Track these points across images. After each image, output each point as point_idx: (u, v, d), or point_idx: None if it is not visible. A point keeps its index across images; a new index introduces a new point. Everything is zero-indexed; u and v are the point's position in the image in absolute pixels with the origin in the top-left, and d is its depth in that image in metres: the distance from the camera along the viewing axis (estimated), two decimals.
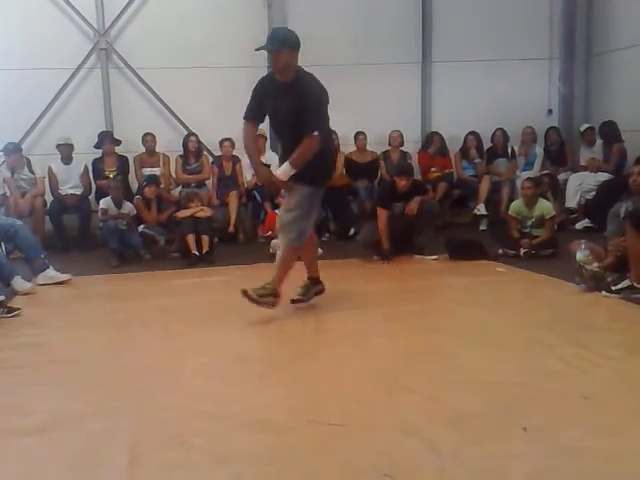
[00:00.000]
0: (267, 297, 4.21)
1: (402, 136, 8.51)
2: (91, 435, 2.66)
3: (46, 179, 7.67)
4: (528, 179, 6.77)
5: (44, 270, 5.63)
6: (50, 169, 7.68)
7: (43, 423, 2.78)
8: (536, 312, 4.40)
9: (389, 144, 8.52)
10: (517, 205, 6.62)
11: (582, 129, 8.54)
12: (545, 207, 6.47)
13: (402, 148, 8.55)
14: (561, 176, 8.37)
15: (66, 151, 7.75)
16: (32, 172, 7.60)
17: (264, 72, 8.83)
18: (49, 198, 7.70)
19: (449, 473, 2.27)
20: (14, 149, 7.54)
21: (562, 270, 5.27)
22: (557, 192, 8.02)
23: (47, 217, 7.56)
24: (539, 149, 8.66)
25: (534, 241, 6.28)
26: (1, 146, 7.47)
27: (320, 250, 6.73)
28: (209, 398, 3.02)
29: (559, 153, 8.72)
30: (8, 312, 4.47)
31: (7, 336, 4.12)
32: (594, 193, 7.88)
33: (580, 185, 8.03)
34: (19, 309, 4.52)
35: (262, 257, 6.55)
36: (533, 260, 6.03)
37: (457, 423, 2.64)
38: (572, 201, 8.03)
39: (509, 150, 8.57)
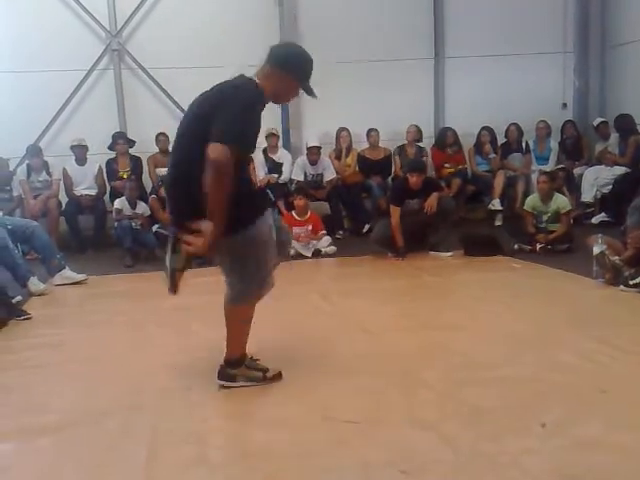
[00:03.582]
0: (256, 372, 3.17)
1: (420, 131, 8.48)
2: (109, 433, 2.68)
3: (61, 180, 7.73)
4: (544, 173, 6.72)
5: (60, 270, 5.67)
6: (65, 170, 7.74)
7: (62, 421, 2.81)
8: (553, 307, 4.36)
9: (406, 139, 8.49)
10: (533, 200, 6.58)
11: (595, 123, 8.47)
12: (561, 201, 6.43)
13: (419, 144, 8.52)
14: (577, 170, 8.31)
15: (80, 152, 7.80)
16: (49, 174, 7.66)
17: None
18: (64, 199, 7.76)
19: (465, 469, 2.26)
20: (36, 152, 7.61)
21: (578, 265, 5.23)
22: (573, 186, 7.96)
23: (62, 218, 7.61)
24: (554, 143, 8.60)
25: (550, 236, 6.23)
26: (17, 148, 7.52)
27: (334, 247, 6.78)
28: (225, 396, 3.02)
29: (575, 147, 8.65)
30: (19, 315, 4.50)
31: (25, 336, 4.16)
32: (610, 187, 7.80)
33: (596, 179, 7.96)
34: (30, 315, 4.54)
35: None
36: (549, 255, 5.99)
37: (473, 419, 2.62)
38: (588, 195, 7.96)
39: (523, 145, 8.52)
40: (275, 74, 3.00)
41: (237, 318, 3.10)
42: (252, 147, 2.91)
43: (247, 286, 3.06)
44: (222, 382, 3.09)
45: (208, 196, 2.66)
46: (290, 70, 3.03)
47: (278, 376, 3.17)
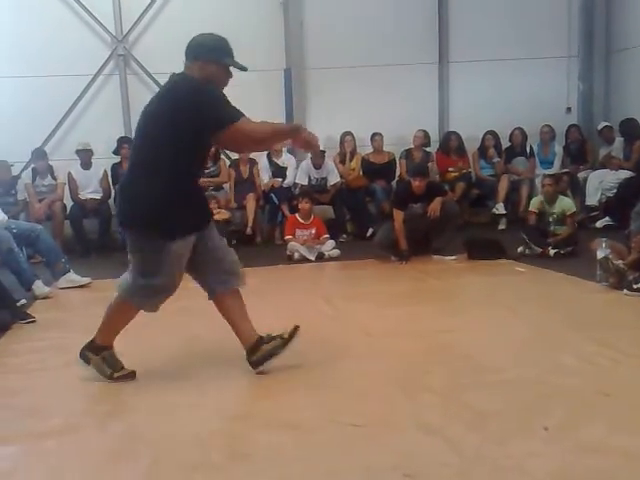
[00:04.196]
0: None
1: (428, 136, 8.49)
2: (112, 436, 2.69)
3: (66, 184, 7.76)
4: (549, 176, 6.73)
5: (65, 274, 5.69)
6: (70, 174, 7.77)
7: (66, 425, 2.81)
8: (556, 311, 4.36)
9: (412, 143, 8.49)
10: (537, 201, 6.58)
11: (599, 127, 8.47)
12: (566, 203, 6.43)
13: (427, 149, 8.53)
14: (581, 174, 8.30)
15: (85, 156, 7.84)
16: (54, 178, 7.70)
17: (281, 74, 9.01)
18: (69, 203, 7.79)
19: (470, 473, 2.26)
20: (41, 155, 7.64)
21: (582, 268, 5.22)
22: (577, 190, 7.96)
23: (67, 222, 7.64)
24: (558, 147, 8.60)
25: (558, 237, 6.21)
26: (23, 152, 7.56)
27: (337, 251, 6.79)
28: (230, 398, 3.03)
29: (579, 151, 8.65)
30: (23, 319, 4.51)
31: (29, 339, 4.17)
32: (615, 191, 7.80)
33: (601, 183, 7.96)
34: (34, 318, 4.55)
35: (279, 259, 6.58)
36: (553, 259, 5.97)
37: (478, 423, 2.62)
38: (593, 199, 7.95)
39: (528, 149, 8.52)
40: (197, 67, 3.10)
41: (122, 312, 3.28)
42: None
43: (135, 287, 3.18)
44: (80, 359, 3.28)
45: (268, 141, 3.44)
46: (206, 56, 3.11)
47: (128, 376, 3.27)
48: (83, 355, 3.30)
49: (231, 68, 3.16)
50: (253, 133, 3.03)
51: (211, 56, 3.12)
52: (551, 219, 6.40)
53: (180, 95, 3.04)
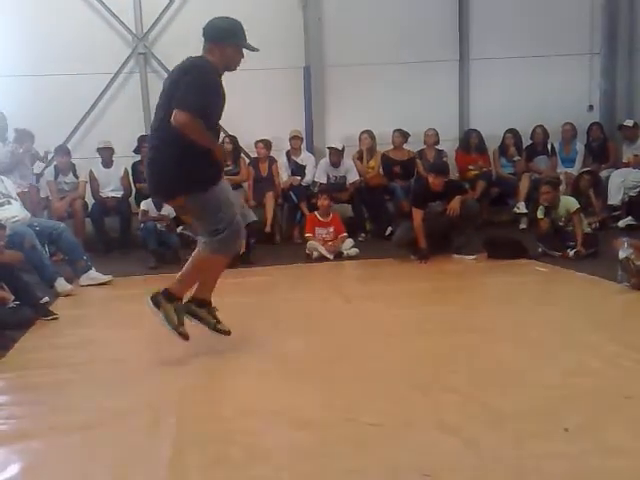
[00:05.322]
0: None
1: (437, 134, 8.46)
2: (135, 432, 2.73)
3: (87, 182, 7.83)
4: (546, 183, 6.52)
5: (86, 272, 5.75)
6: (91, 172, 7.84)
7: (89, 420, 2.85)
8: (578, 311, 4.32)
9: (424, 143, 8.48)
10: (542, 210, 6.44)
11: (621, 125, 8.35)
12: (567, 202, 6.29)
13: (438, 146, 8.49)
14: (603, 173, 8.21)
15: (106, 154, 7.90)
16: (76, 177, 7.77)
17: (300, 72, 9.02)
18: (90, 201, 7.86)
19: (489, 473, 2.25)
20: (64, 152, 7.71)
21: (603, 269, 5.17)
22: (599, 189, 7.86)
23: (88, 219, 7.71)
24: (580, 146, 8.51)
25: (576, 240, 6.12)
26: (42, 151, 7.63)
27: (356, 250, 6.79)
28: (249, 396, 3.05)
29: (601, 150, 8.55)
30: (46, 315, 4.57)
31: (52, 336, 4.23)
32: (638, 190, 7.70)
33: (623, 182, 7.86)
34: (57, 315, 4.61)
35: (298, 258, 6.60)
36: (574, 259, 5.91)
37: (497, 423, 2.62)
38: (615, 198, 7.84)
39: (549, 147, 8.45)
40: (214, 48, 3.53)
41: (209, 267, 3.63)
42: (214, 114, 3.50)
43: (222, 232, 3.48)
44: (150, 303, 3.56)
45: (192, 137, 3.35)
46: (223, 38, 3.53)
47: (185, 336, 3.58)
48: (155, 299, 3.56)
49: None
50: (184, 127, 3.29)
51: (231, 40, 3.52)
52: (561, 222, 6.30)
53: (181, 73, 3.44)
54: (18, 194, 6.23)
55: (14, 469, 2.46)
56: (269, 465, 2.38)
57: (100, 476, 2.41)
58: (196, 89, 3.33)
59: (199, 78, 3.37)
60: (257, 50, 3.51)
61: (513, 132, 8.46)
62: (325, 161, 8.06)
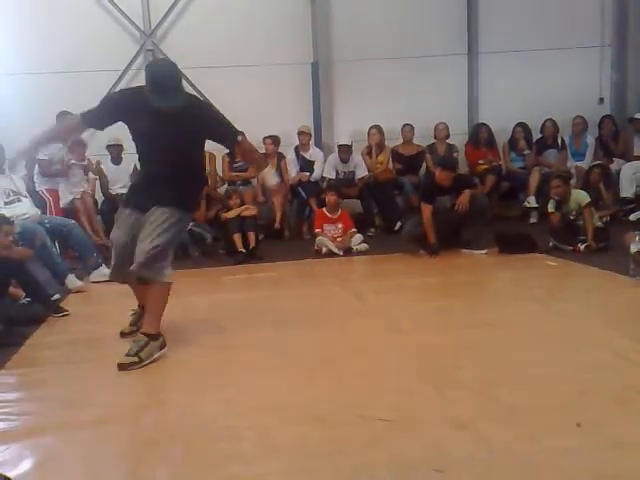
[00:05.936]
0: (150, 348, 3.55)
1: (448, 128, 8.42)
2: (146, 427, 2.73)
3: (97, 179, 7.85)
4: (557, 177, 6.51)
5: (97, 268, 5.77)
6: (101, 169, 7.85)
7: (100, 416, 2.86)
8: (589, 305, 4.30)
9: (434, 137, 8.45)
10: (552, 204, 6.41)
11: (632, 117, 8.29)
12: (577, 196, 6.25)
13: (448, 140, 8.46)
14: (614, 166, 8.15)
15: (116, 151, 7.91)
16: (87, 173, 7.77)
17: (308, 69, 9.00)
18: (100, 198, 7.88)
19: (500, 468, 2.24)
20: (79, 142, 7.67)
21: (615, 263, 5.13)
22: (610, 182, 7.80)
23: (98, 216, 7.73)
24: (590, 139, 8.46)
25: (587, 233, 6.08)
26: (56, 147, 7.62)
27: (365, 245, 6.78)
28: (259, 392, 3.05)
29: (614, 142, 8.48)
30: (56, 312, 4.59)
31: (63, 332, 4.25)
32: None
33: (635, 174, 7.80)
34: (68, 312, 4.63)
35: (308, 253, 6.59)
36: (585, 253, 5.87)
37: (508, 418, 2.60)
38: (628, 191, 7.77)
39: (559, 141, 8.40)
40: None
41: (164, 295, 3.72)
42: None
43: (167, 262, 3.74)
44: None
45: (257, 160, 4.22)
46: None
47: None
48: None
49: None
50: (251, 147, 4.15)
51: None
52: (572, 216, 6.26)
53: (196, 111, 3.77)
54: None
55: (26, 465, 2.47)
56: (279, 461, 2.37)
57: (112, 472, 2.42)
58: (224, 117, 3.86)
59: (216, 109, 3.95)
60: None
61: (523, 126, 8.42)
62: (334, 157, 8.05)
